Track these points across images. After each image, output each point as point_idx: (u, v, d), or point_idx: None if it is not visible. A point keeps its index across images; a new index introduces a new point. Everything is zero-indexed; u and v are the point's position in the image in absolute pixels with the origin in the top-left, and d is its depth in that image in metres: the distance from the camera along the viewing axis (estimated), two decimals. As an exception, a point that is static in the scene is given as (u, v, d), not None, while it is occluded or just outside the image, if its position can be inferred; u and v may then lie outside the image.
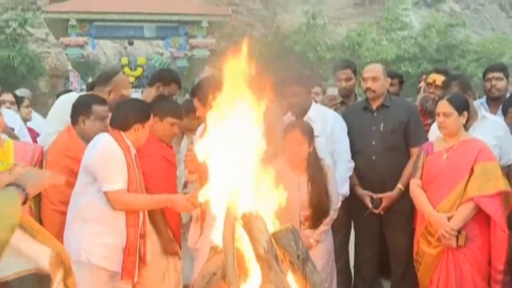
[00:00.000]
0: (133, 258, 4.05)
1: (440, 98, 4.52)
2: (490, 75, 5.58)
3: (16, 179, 2.50)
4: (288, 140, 4.34)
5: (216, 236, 3.01)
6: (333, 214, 4.52)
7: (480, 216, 4.27)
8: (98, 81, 4.90)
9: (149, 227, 4.34)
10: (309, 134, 4.37)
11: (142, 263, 4.18)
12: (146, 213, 4.25)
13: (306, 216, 4.43)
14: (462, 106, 4.37)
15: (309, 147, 4.36)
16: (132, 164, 4.09)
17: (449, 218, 4.26)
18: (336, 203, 4.53)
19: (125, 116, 4.16)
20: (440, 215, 4.30)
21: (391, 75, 6.18)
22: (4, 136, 4.75)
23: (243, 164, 3.05)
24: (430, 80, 5.80)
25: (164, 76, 5.43)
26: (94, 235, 4.00)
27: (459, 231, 4.25)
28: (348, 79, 5.77)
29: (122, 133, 4.11)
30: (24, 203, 2.47)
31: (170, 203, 4.16)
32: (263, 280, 2.83)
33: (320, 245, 4.52)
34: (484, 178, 4.23)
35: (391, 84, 5.98)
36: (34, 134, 5.70)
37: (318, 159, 4.46)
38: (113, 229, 4.03)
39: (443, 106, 4.37)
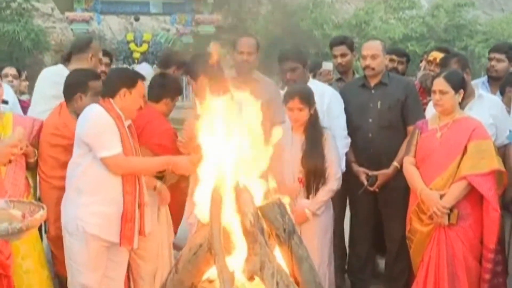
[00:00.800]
0: (131, 225, 4.08)
1: (437, 75, 4.48)
2: (492, 55, 5.66)
3: None
4: (289, 107, 4.53)
5: (204, 208, 3.03)
6: (332, 184, 4.56)
7: (473, 194, 4.27)
8: (76, 50, 4.97)
9: (147, 199, 4.35)
10: (309, 99, 4.52)
11: (141, 234, 4.20)
12: (144, 183, 4.25)
13: (300, 178, 4.51)
14: (459, 84, 4.34)
15: (310, 110, 4.52)
16: (125, 132, 4.09)
17: (441, 196, 4.26)
18: (335, 173, 4.58)
19: (112, 82, 4.21)
20: (432, 192, 4.31)
21: (398, 53, 6.16)
22: (5, 108, 4.80)
23: (233, 138, 3.06)
24: (431, 57, 5.78)
25: (174, 60, 5.55)
26: (90, 204, 4.03)
27: (451, 209, 4.25)
28: (343, 55, 5.73)
29: (111, 101, 4.10)
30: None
31: (172, 165, 4.15)
32: (249, 252, 2.84)
33: (317, 219, 4.56)
34: (477, 157, 4.22)
35: (399, 62, 5.97)
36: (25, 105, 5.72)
37: (317, 122, 4.60)
38: (109, 198, 4.05)
39: (439, 83, 4.34)
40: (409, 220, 4.54)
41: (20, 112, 5.27)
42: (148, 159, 4.21)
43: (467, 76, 4.76)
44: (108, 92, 4.14)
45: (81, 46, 4.96)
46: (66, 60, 4.99)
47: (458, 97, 4.35)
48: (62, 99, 4.51)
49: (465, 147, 4.25)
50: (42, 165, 4.48)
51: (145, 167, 4.20)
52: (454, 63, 4.93)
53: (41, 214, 2.83)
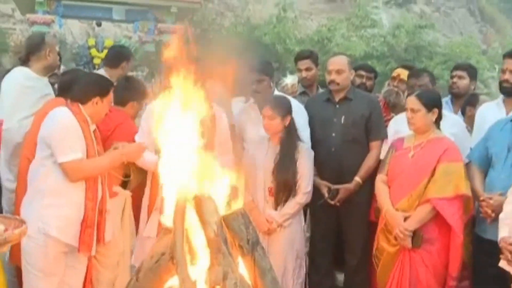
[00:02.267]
0: (90, 231, 4.03)
1: (410, 93, 4.47)
2: (454, 73, 5.81)
3: None
4: (262, 114, 4.58)
5: (167, 217, 3.00)
6: (300, 197, 4.59)
7: (440, 219, 4.17)
8: (32, 49, 4.91)
9: (110, 206, 4.30)
10: (282, 109, 4.56)
11: (101, 240, 4.15)
12: (106, 190, 4.21)
13: (270, 188, 4.56)
14: (432, 103, 4.29)
15: (283, 121, 4.55)
16: (90, 137, 4.06)
17: (406, 218, 4.19)
18: (305, 187, 4.61)
19: (85, 89, 4.16)
20: (396, 213, 4.24)
21: (367, 69, 6.22)
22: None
23: (193, 147, 3.06)
24: (394, 74, 5.85)
25: (125, 54, 5.50)
26: (51, 206, 3.97)
27: (415, 232, 4.16)
28: (308, 69, 5.78)
29: (80, 106, 4.07)
30: None
31: (124, 157, 4.17)
32: (212, 262, 2.83)
33: (284, 231, 4.58)
34: (445, 180, 4.15)
35: (367, 78, 6.01)
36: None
37: (292, 134, 4.63)
38: (70, 201, 3.99)
39: (411, 101, 4.30)
40: (377, 238, 4.46)
41: None
42: (101, 158, 4.13)
43: None
44: (80, 97, 4.11)
45: (36, 44, 4.91)
46: (24, 61, 4.90)
47: (432, 116, 4.29)
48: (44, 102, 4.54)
49: (434, 169, 4.18)
50: None
51: (99, 168, 4.12)
52: (426, 75, 5.01)
53: (21, 230, 3.02)
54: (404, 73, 5.62)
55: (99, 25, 17.87)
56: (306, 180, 4.58)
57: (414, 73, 5.19)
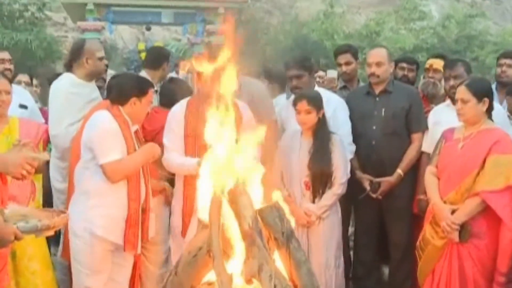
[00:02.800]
0: (134, 230, 4.14)
1: (460, 83, 4.28)
2: (502, 61, 5.69)
3: None
4: (297, 110, 4.59)
5: (203, 212, 3.06)
6: (336, 188, 4.60)
7: (490, 212, 3.98)
8: (73, 57, 5.00)
9: (154, 204, 4.44)
10: (316, 103, 4.58)
11: (144, 237, 4.26)
12: (150, 188, 4.32)
13: (306, 182, 4.57)
14: (482, 92, 4.09)
15: (317, 114, 4.57)
16: (131, 138, 4.16)
17: (453, 211, 4.05)
18: (341, 177, 4.61)
19: (122, 90, 4.25)
20: (444, 206, 4.09)
21: (408, 61, 6.15)
22: (23, 113, 4.87)
23: (231, 142, 3.11)
24: (427, 65, 5.80)
25: (165, 55, 5.61)
26: (97, 207, 4.10)
27: (462, 226, 4.01)
28: (347, 64, 5.74)
29: (120, 108, 4.17)
30: None
31: (150, 154, 4.22)
32: (247, 255, 2.87)
33: (323, 223, 4.60)
34: (495, 172, 3.95)
35: (409, 70, 5.95)
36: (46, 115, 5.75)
37: (326, 127, 4.65)
38: (114, 202, 4.11)
39: (461, 92, 4.12)
40: (424, 229, 4.34)
41: (40, 117, 5.30)
42: (133, 154, 4.17)
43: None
44: (119, 99, 4.21)
45: (75, 51, 4.99)
46: (68, 68, 5.03)
47: (482, 106, 4.10)
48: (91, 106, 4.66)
49: (484, 161, 4.01)
50: None
51: (134, 164, 4.17)
52: (461, 65, 4.92)
53: (64, 216, 3.18)
54: (437, 63, 5.58)
55: (148, 29, 18.13)
56: (341, 170, 4.60)
57: (448, 63, 5.10)
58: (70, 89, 4.84)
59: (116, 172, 4.08)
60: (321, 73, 6.77)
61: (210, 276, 2.99)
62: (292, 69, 5.07)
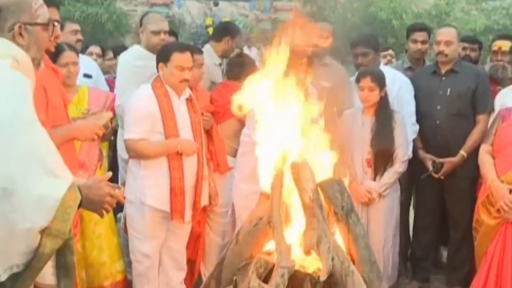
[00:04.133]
0: (180, 199, 4.23)
1: None
2: None
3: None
4: (360, 86, 4.60)
5: (265, 184, 3.12)
6: (398, 166, 4.61)
7: None
8: (138, 30, 5.25)
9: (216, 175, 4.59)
10: (380, 80, 4.58)
11: (196, 207, 4.37)
12: (204, 158, 4.42)
13: (368, 159, 4.60)
14: None
15: (380, 92, 4.58)
16: (169, 109, 4.23)
17: (511, 190, 4.03)
18: (403, 155, 4.62)
19: (156, 59, 4.39)
20: (502, 185, 4.06)
21: (470, 40, 6.03)
22: (87, 81, 5.03)
23: (295, 116, 3.15)
24: (495, 47, 5.64)
25: (231, 29, 5.63)
26: (147, 177, 4.25)
27: None
28: (424, 42, 5.57)
29: (161, 77, 4.31)
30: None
31: (179, 146, 4.26)
32: (307, 227, 2.92)
33: (383, 200, 4.62)
34: None
35: (471, 50, 5.84)
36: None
37: (388, 105, 4.66)
38: (160, 171, 4.24)
39: None
40: (477, 210, 4.34)
41: (105, 86, 5.44)
42: (157, 144, 4.27)
43: None
44: (157, 68, 4.36)
45: (139, 24, 5.18)
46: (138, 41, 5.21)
47: None
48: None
49: None
50: None
51: (153, 154, 4.26)
52: None
53: (120, 192, 2.81)
54: (505, 44, 5.42)
55: (216, 4, 18.28)
56: (403, 149, 4.60)
57: None
58: (135, 62, 4.95)
59: (132, 151, 4.26)
60: (391, 51, 6.67)
61: (270, 245, 3.05)
62: (358, 46, 5.07)
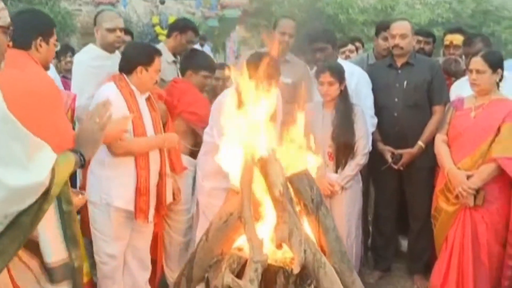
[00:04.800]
0: (145, 198, 4.18)
1: (473, 54, 4.39)
2: None
3: (75, 145, 2.52)
4: (320, 81, 4.64)
5: (234, 179, 3.12)
6: (359, 158, 4.67)
7: (502, 178, 4.16)
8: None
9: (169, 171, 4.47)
10: (339, 75, 4.64)
11: (161, 205, 4.33)
12: (166, 155, 4.37)
13: (329, 152, 4.63)
14: (496, 63, 4.25)
15: (340, 86, 4.63)
16: (137, 109, 4.17)
17: (468, 177, 4.19)
18: (364, 148, 4.68)
19: (129, 59, 4.27)
20: (460, 172, 4.24)
21: (424, 34, 6.11)
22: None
23: (261, 111, 3.16)
24: (447, 42, 5.72)
25: (179, 25, 5.60)
26: (112, 177, 4.17)
27: (477, 191, 4.17)
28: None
29: (126, 77, 4.21)
30: (82, 166, 2.53)
31: (166, 142, 4.28)
32: (278, 220, 2.93)
33: (345, 193, 4.67)
34: (510, 139, 4.13)
35: (425, 43, 5.92)
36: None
37: (348, 98, 4.71)
38: (126, 170, 4.16)
39: (477, 62, 4.25)
40: (435, 198, 4.50)
41: (61, 87, 5.35)
42: (142, 140, 4.21)
43: None
44: (125, 68, 4.24)
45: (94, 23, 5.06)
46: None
47: (496, 77, 4.26)
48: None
49: (498, 129, 4.16)
50: None
51: (136, 149, 4.20)
52: (479, 41, 4.94)
53: (83, 197, 3.22)
54: (456, 38, 5.52)
55: (162, 3, 18.13)
56: (364, 141, 4.66)
57: (467, 41, 5.14)
58: (91, 62, 4.86)
59: (120, 147, 4.11)
60: (350, 46, 6.73)
61: (240, 241, 3.06)
62: (316, 41, 5.09)
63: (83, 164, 2.50)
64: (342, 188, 4.62)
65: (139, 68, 4.17)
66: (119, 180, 4.16)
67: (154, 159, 4.25)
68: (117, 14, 5.40)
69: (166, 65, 5.24)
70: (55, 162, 2.24)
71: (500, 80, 4.31)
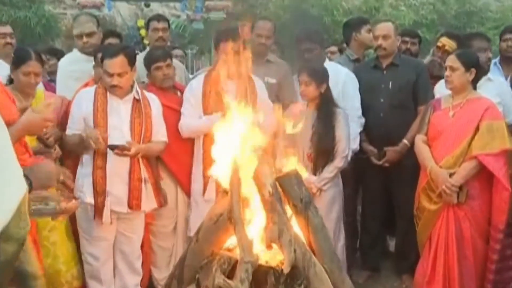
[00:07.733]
0: (101, 199, 4.22)
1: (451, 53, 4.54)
2: (507, 36, 5.73)
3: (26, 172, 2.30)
4: (299, 81, 4.65)
5: (223, 180, 3.13)
6: (338, 161, 4.64)
7: (483, 175, 4.27)
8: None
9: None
10: (316, 76, 4.60)
11: (131, 207, 4.32)
12: (143, 160, 4.37)
13: (308, 154, 4.63)
14: (470, 63, 4.34)
15: (319, 88, 4.60)
16: (102, 109, 4.23)
17: (450, 175, 4.26)
18: (343, 151, 4.65)
19: None
20: (441, 170, 4.31)
21: (411, 34, 6.14)
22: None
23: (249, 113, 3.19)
24: (439, 44, 5.72)
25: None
26: (85, 175, 4.26)
27: (460, 188, 4.25)
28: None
29: None
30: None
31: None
32: (268, 221, 2.94)
33: (323, 195, 4.65)
34: (489, 137, 4.22)
35: (411, 44, 5.95)
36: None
37: (329, 100, 4.68)
38: (91, 170, 4.26)
39: (450, 60, 4.37)
40: (417, 197, 4.56)
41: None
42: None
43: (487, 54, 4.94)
44: None
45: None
46: None
47: (469, 76, 4.34)
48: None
49: (477, 127, 4.25)
50: None
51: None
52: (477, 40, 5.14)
53: (76, 202, 3.23)
54: (450, 44, 5.52)
55: (147, 5, 18.11)
56: (343, 144, 4.64)
57: (460, 47, 5.19)
58: (69, 67, 5.00)
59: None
60: (332, 48, 6.76)
61: (231, 241, 3.07)
62: (304, 42, 5.13)
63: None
64: (320, 190, 4.61)
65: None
66: (88, 179, 4.24)
67: (120, 161, 4.23)
68: (89, 18, 5.32)
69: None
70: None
71: (476, 80, 4.39)
